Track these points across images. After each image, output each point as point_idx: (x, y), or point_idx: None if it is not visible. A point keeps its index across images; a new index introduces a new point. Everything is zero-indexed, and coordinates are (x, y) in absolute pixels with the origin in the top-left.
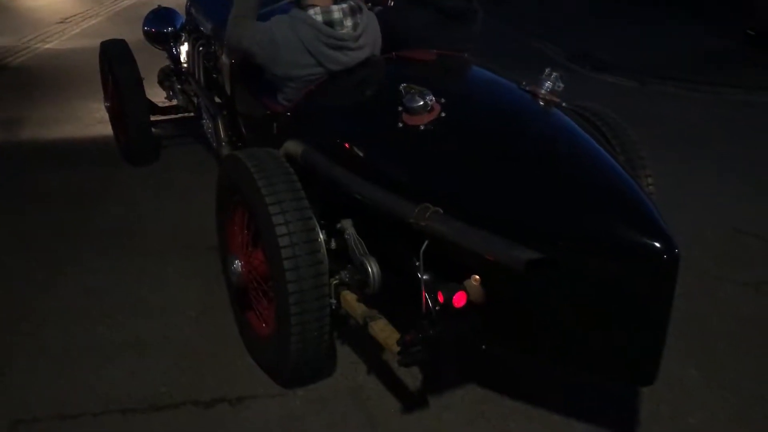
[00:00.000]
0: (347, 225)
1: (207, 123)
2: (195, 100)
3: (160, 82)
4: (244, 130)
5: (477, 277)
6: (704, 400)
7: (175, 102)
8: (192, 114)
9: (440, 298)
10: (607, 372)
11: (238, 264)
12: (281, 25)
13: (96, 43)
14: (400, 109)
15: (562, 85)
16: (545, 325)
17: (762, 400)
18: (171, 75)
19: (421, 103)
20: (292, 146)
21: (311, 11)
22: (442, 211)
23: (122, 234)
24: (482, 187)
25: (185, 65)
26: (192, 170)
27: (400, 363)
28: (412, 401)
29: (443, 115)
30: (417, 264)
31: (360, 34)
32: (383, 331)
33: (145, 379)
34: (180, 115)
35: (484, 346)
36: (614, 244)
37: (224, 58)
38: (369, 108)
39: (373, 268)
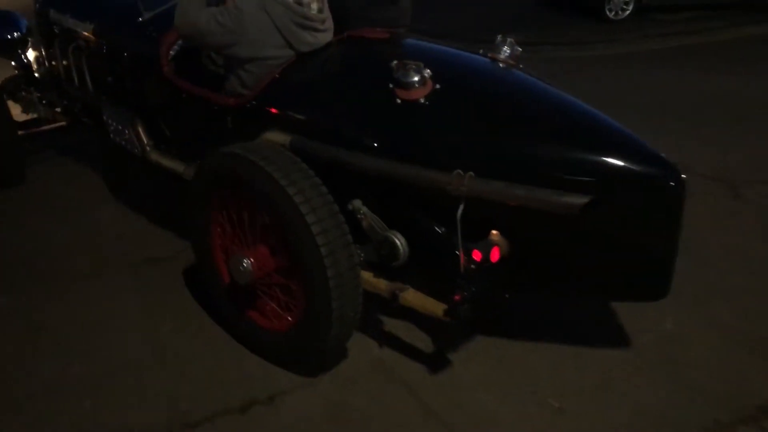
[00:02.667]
0: (359, 205)
1: (113, 127)
2: (75, 107)
3: (11, 95)
4: (170, 130)
5: (495, 231)
6: None
7: (35, 115)
8: (63, 123)
9: (476, 256)
10: (628, 291)
11: (248, 263)
12: (249, 3)
13: None
14: (391, 85)
15: (519, 49)
16: (574, 259)
17: None
18: (24, 85)
19: (417, 77)
20: (276, 136)
21: None
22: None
23: (39, 261)
24: (502, 147)
25: (43, 72)
26: (72, 183)
27: (453, 322)
28: (433, 361)
29: (438, 86)
30: (442, 230)
31: (326, 16)
32: (417, 298)
33: (158, 402)
34: (49, 126)
35: (507, 294)
36: (633, 177)
37: (131, 54)
38: (356, 87)
39: (400, 239)
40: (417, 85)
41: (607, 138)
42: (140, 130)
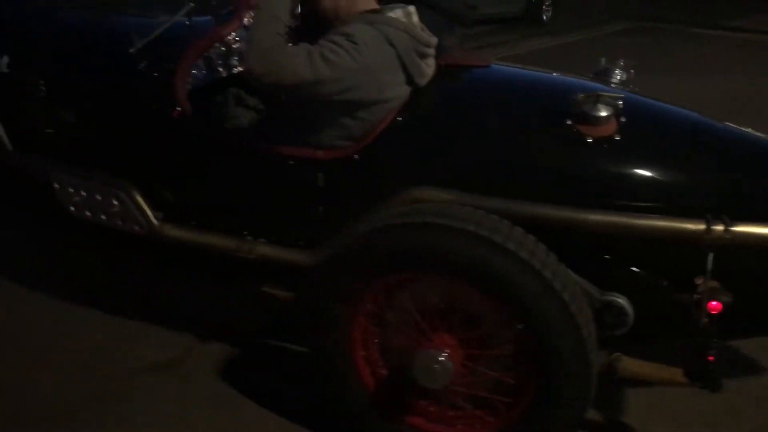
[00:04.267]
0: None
1: (78, 199)
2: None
3: None
4: (190, 195)
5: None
6: None
7: None
8: None
9: (714, 308)
10: None
11: (444, 357)
12: (370, 34)
13: None
14: (569, 122)
15: (632, 71)
16: None
17: None
18: None
19: (607, 112)
20: (423, 193)
21: (397, 12)
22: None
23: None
24: (735, 184)
25: None
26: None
27: (713, 389)
28: None
29: (623, 120)
30: (665, 284)
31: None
32: (641, 366)
33: None
34: None
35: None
36: None
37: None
38: (517, 125)
39: (624, 302)
40: (607, 121)
41: None
42: (139, 198)
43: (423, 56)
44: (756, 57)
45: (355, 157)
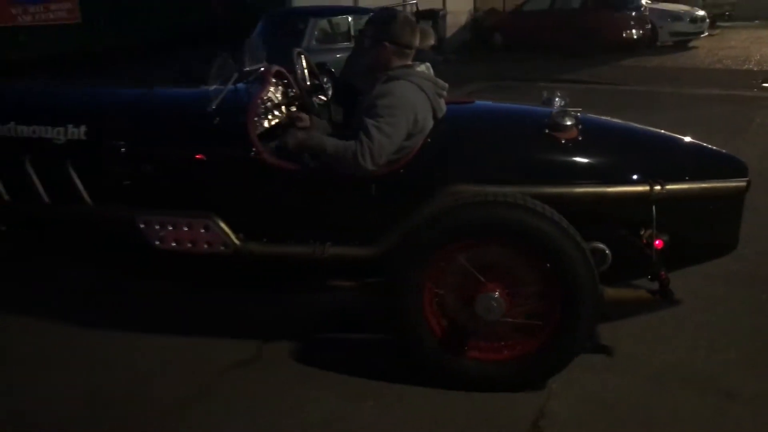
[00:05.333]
0: None
1: (163, 233)
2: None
3: None
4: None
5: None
6: None
7: None
8: None
9: (659, 245)
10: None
11: (498, 297)
12: (414, 94)
13: None
14: (547, 130)
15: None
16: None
17: None
18: None
19: (571, 122)
20: (457, 188)
21: (422, 67)
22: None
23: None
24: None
25: None
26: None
27: (666, 298)
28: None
29: (580, 127)
30: (625, 232)
31: None
32: (618, 292)
33: None
34: None
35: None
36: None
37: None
38: (512, 136)
39: (604, 247)
40: (572, 128)
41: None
42: (222, 224)
43: (440, 96)
44: (599, 99)
45: (401, 171)
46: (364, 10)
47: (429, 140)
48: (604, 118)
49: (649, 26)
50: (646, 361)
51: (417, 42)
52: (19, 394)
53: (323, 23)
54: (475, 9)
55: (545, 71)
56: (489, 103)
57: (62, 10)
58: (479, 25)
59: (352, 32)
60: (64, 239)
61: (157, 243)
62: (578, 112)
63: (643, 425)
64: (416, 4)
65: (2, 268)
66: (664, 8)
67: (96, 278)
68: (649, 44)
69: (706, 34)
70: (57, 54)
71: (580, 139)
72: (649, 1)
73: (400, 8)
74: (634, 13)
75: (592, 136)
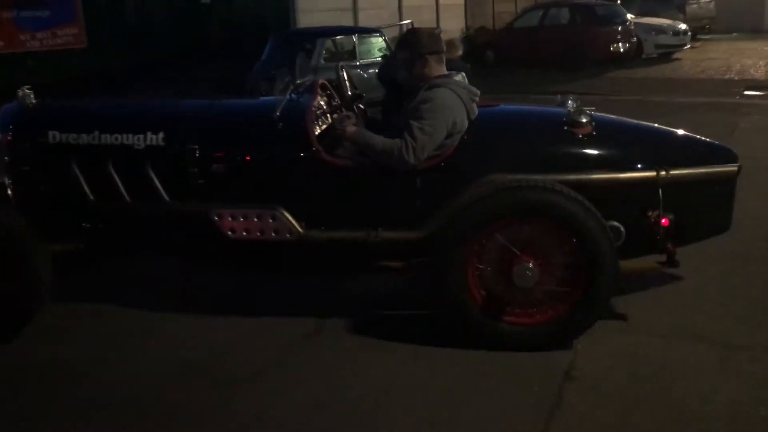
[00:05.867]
0: None
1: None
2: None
3: None
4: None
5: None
6: None
7: None
8: None
9: (665, 223)
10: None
11: (532, 267)
12: (452, 100)
13: None
14: (565, 127)
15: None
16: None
17: None
18: None
19: (586, 119)
20: (494, 178)
21: (459, 76)
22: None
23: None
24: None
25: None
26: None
27: (674, 265)
28: None
29: (593, 123)
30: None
31: None
32: (630, 263)
33: None
34: None
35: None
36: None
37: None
38: (536, 132)
39: (620, 225)
40: (587, 124)
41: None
42: (288, 215)
43: (473, 101)
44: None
45: (442, 165)
46: (366, 30)
47: (465, 138)
48: (612, 116)
49: (635, 40)
50: (656, 324)
51: (444, 45)
52: (124, 366)
53: (329, 43)
54: (467, 27)
55: (537, 84)
56: (512, 105)
57: (69, 35)
58: (471, 43)
59: (357, 51)
60: (144, 234)
61: (230, 233)
62: (592, 110)
63: (657, 374)
64: (411, 23)
65: (90, 263)
66: (649, 22)
67: (173, 269)
68: (635, 57)
69: (689, 46)
70: (65, 77)
71: (594, 133)
72: (634, 16)
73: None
74: (620, 28)
75: (605, 131)
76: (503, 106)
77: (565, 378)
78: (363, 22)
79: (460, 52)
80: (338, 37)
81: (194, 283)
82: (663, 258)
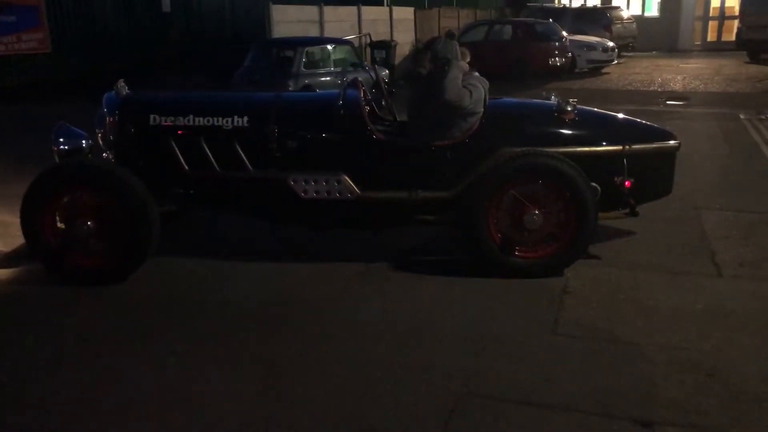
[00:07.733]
0: None
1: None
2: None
3: None
4: (375, 174)
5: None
6: None
7: None
8: None
9: (628, 185)
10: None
11: (538, 213)
12: (480, 81)
13: None
14: (555, 113)
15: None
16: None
17: None
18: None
19: (570, 108)
20: (506, 152)
21: (477, 73)
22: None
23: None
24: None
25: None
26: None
27: (635, 215)
28: None
29: (575, 111)
30: (617, 177)
31: None
32: (606, 215)
33: None
34: None
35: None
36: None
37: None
38: (534, 116)
39: (597, 186)
40: (571, 111)
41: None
42: (348, 180)
43: (487, 93)
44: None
45: (466, 140)
46: (339, 41)
47: (483, 120)
48: (588, 107)
49: (570, 55)
50: (621, 259)
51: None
52: (220, 297)
53: (309, 51)
54: (417, 40)
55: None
56: (512, 98)
57: (33, 40)
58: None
59: (331, 59)
60: (230, 197)
61: (303, 194)
62: (575, 102)
63: (626, 290)
64: (369, 35)
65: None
66: (581, 39)
67: (252, 227)
68: (570, 70)
69: (616, 62)
70: (29, 82)
71: (576, 119)
72: (567, 34)
73: (364, 37)
74: (557, 44)
75: (584, 117)
76: (507, 99)
77: (562, 292)
78: (327, 32)
79: (468, 58)
80: (316, 46)
81: (263, 239)
82: (627, 210)
